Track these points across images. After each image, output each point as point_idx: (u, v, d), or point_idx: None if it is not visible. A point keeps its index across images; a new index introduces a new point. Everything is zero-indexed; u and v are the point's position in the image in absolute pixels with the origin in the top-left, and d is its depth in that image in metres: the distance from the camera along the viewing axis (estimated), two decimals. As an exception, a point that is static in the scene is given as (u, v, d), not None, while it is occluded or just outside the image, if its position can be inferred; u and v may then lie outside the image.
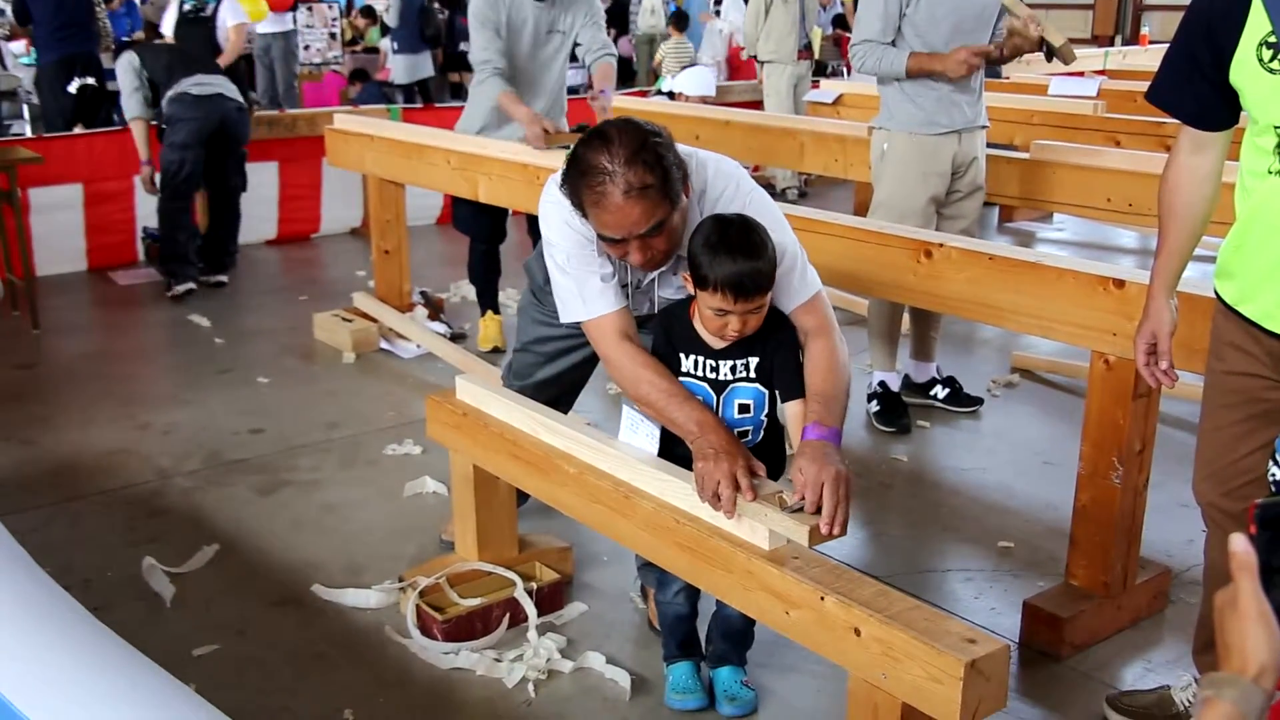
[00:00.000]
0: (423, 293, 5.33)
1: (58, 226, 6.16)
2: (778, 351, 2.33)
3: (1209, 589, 2.43)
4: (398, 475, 3.77)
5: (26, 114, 9.62)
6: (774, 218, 2.38)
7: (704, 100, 7.03)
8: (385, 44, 11.65)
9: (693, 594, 2.58)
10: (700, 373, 2.34)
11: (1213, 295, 2.26)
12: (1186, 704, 2.50)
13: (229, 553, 3.29)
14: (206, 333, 5.28)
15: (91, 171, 6.27)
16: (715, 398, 2.34)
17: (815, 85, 7.46)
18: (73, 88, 7.39)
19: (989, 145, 4.20)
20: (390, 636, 2.85)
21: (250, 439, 4.10)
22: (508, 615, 2.85)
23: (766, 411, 2.37)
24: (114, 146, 6.39)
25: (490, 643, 2.80)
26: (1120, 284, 2.70)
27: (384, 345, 5.02)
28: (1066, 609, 2.82)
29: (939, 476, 3.83)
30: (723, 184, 2.38)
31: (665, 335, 2.38)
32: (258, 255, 6.75)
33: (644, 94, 8.09)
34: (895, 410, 4.17)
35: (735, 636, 2.57)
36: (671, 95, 7.24)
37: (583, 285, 2.39)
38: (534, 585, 2.91)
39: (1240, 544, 1.05)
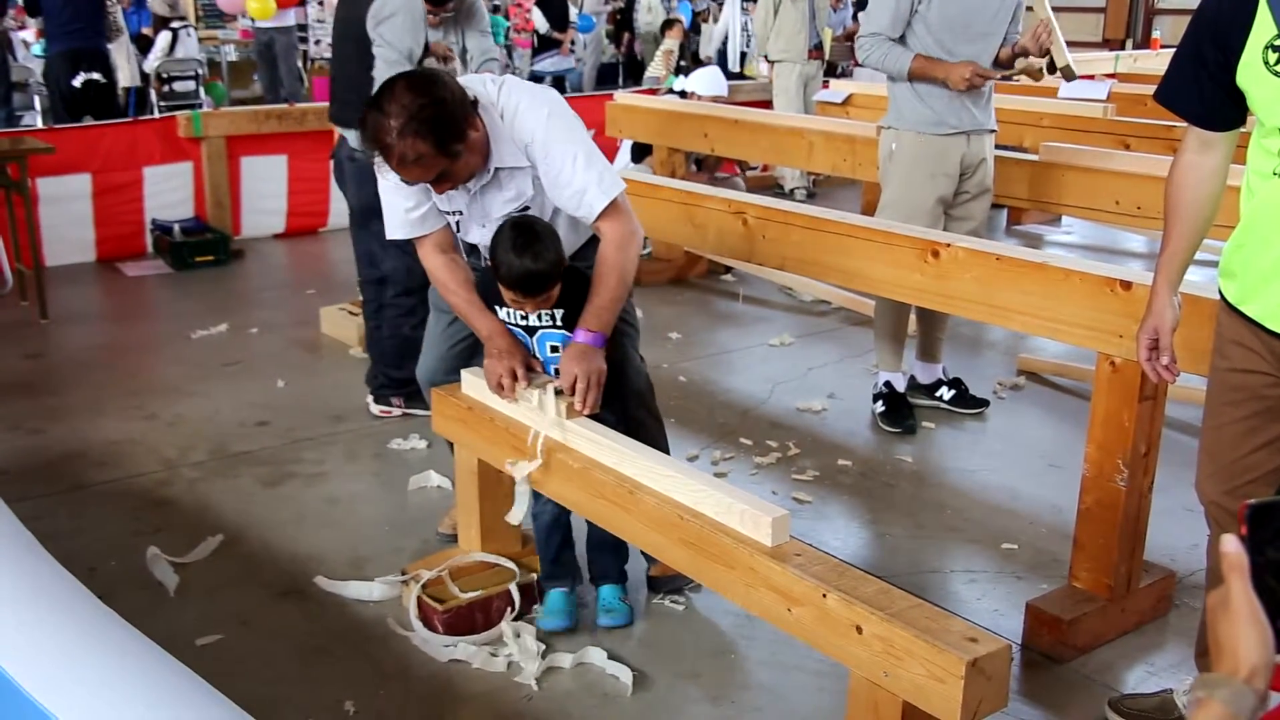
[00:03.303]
0: (430, 288, 5.33)
1: (67, 217, 6.19)
2: (578, 308, 2.61)
3: (1211, 590, 2.42)
4: (402, 469, 3.78)
5: (38, 105, 9.64)
6: (568, 128, 2.63)
7: (716, 100, 7.03)
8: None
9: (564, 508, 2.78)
10: (512, 320, 2.69)
11: (1217, 298, 2.26)
12: (1188, 707, 2.49)
13: (233, 544, 3.30)
14: (214, 325, 5.29)
15: (101, 163, 6.28)
16: (530, 339, 2.69)
17: (825, 85, 7.45)
18: (77, 82, 7.39)
19: (998, 147, 4.20)
20: (392, 629, 2.86)
21: (256, 431, 4.11)
22: (508, 608, 2.86)
23: None
24: (124, 138, 6.41)
25: (492, 637, 2.80)
26: (1127, 285, 2.69)
27: (391, 339, 5.02)
28: (1069, 611, 2.81)
29: (943, 477, 3.82)
30: (515, 98, 2.63)
31: (482, 290, 2.72)
32: (266, 249, 6.76)
33: (654, 92, 8.09)
34: (901, 411, 4.17)
35: (607, 547, 2.80)
36: (683, 94, 7.24)
37: (391, 212, 2.78)
38: (533, 578, 2.92)
39: (1232, 544, 1.05)
